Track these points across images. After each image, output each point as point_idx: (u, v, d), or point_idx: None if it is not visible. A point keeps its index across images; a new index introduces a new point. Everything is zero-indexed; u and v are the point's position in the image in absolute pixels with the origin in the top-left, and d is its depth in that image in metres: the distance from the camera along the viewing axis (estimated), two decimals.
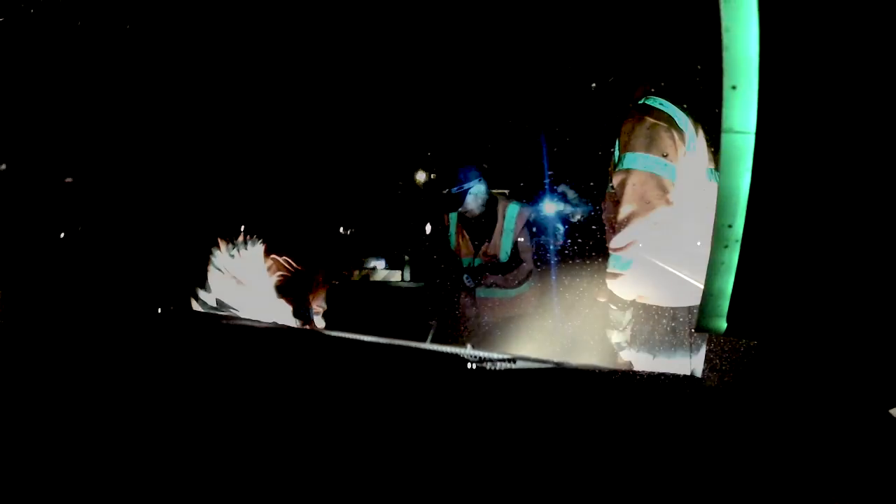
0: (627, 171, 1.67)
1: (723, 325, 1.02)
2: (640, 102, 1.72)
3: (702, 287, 1.04)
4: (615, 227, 1.71)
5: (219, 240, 2.32)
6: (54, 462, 1.09)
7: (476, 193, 3.07)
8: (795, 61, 0.90)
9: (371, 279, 6.72)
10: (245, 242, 2.27)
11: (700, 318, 1.06)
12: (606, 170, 1.95)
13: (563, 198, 2.16)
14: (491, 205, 3.13)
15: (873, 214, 0.90)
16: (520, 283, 3.12)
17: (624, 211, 1.67)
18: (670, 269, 1.70)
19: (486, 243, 3.15)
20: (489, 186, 3.16)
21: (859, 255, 0.92)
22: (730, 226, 0.98)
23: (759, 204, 0.95)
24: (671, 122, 1.67)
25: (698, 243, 1.67)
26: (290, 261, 2.26)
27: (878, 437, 0.92)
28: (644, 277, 1.68)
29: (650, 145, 1.65)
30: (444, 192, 3.06)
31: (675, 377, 1.33)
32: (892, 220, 0.88)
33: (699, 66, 1.86)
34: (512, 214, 3.10)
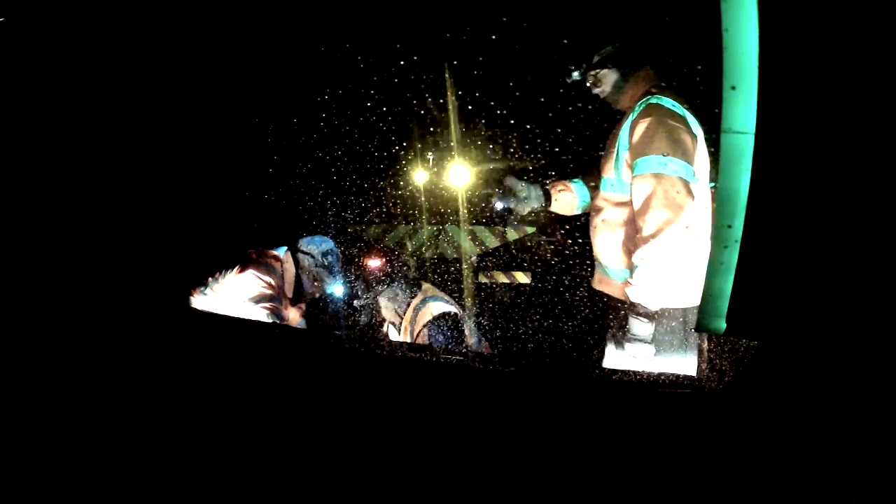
0: (657, 175, 1.58)
1: (723, 325, 1.02)
2: (652, 102, 1.66)
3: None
4: (643, 238, 1.61)
5: (191, 290, 2.40)
6: (55, 459, 1.09)
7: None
8: (795, 61, 0.90)
9: None
10: (215, 280, 2.34)
11: (700, 318, 1.06)
12: (596, 169, 1.89)
13: (510, 193, 1.94)
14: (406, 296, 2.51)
15: (872, 214, 0.90)
16: None
17: (656, 218, 1.58)
18: (691, 272, 1.64)
19: None
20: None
21: (859, 256, 0.92)
22: (729, 226, 0.98)
23: (759, 204, 0.94)
24: (686, 124, 1.64)
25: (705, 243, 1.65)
26: (256, 274, 2.33)
27: (878, 437, 0.92)
28: (674, 284, 1.61)
29: (675, 148, 1.58)
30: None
31: (676, 378, 1.33)
32: (892, 220, 0.88)
33: (699, 66, 1.84)
34: (419, 308, 2.46)
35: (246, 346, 1.46)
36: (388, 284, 2.49)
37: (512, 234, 5.01)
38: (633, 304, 1.64)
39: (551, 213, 2.05)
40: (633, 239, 1.72)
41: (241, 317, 2.31)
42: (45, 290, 1.64)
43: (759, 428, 0.99)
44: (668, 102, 1.65)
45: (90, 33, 2.42)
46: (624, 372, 1.30)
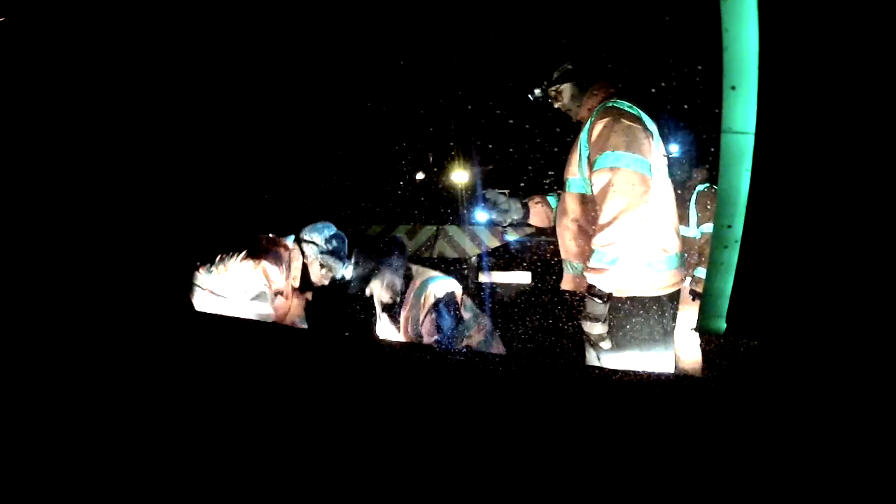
0: (613, 168, 1.71)
1: (723, 325, 1.02)
2: (608, 105, 1.79)
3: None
4: (601, 225, 1.73)
5: (198, 265, 2.40)
6: (55, 459, 1.09)
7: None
8: (795, 61, 0.90)
9: None
10: (221, 261, 2.35)
11: (700, 318, 1.06)
12: (560, 171, 1.99)
13: (493, 206, 2.14)
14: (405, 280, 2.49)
15: (872, 214, 0.90)
16: None
17: (613, 207, 1.70)
18: (654, 259, 1.75)
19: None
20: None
21: (858, 256, 0.92)
22: (729, 226, 0.98)
23: (759, 204, 0.94)
24: (642, 123, 1.77)
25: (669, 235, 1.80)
26: (262, 263, 2.34)
27: (878, 437, 0.92)
28: (630, 271, 1.72)
29: (630, 144, 1.71)
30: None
31: (676, 377, 1.33)
32: (891, 221, 0.88)
33: (699, 66, 1.88)
34: (419, 294, 2.42)
35: (246, 346, 1.47)
36: (379, 271, 2.46)
37: (512, 235, 5.02)
38: (589, 286, 1.77)
39: (529, 224, 2.23)
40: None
41: (240, 316, 2.31)
42: (47, 291, 1.64)
43: (759, 428, 0.99)
44: (623, 105, 1.80)
45: (90, 33, 2.43)
46: (624, 372, 1.30)
